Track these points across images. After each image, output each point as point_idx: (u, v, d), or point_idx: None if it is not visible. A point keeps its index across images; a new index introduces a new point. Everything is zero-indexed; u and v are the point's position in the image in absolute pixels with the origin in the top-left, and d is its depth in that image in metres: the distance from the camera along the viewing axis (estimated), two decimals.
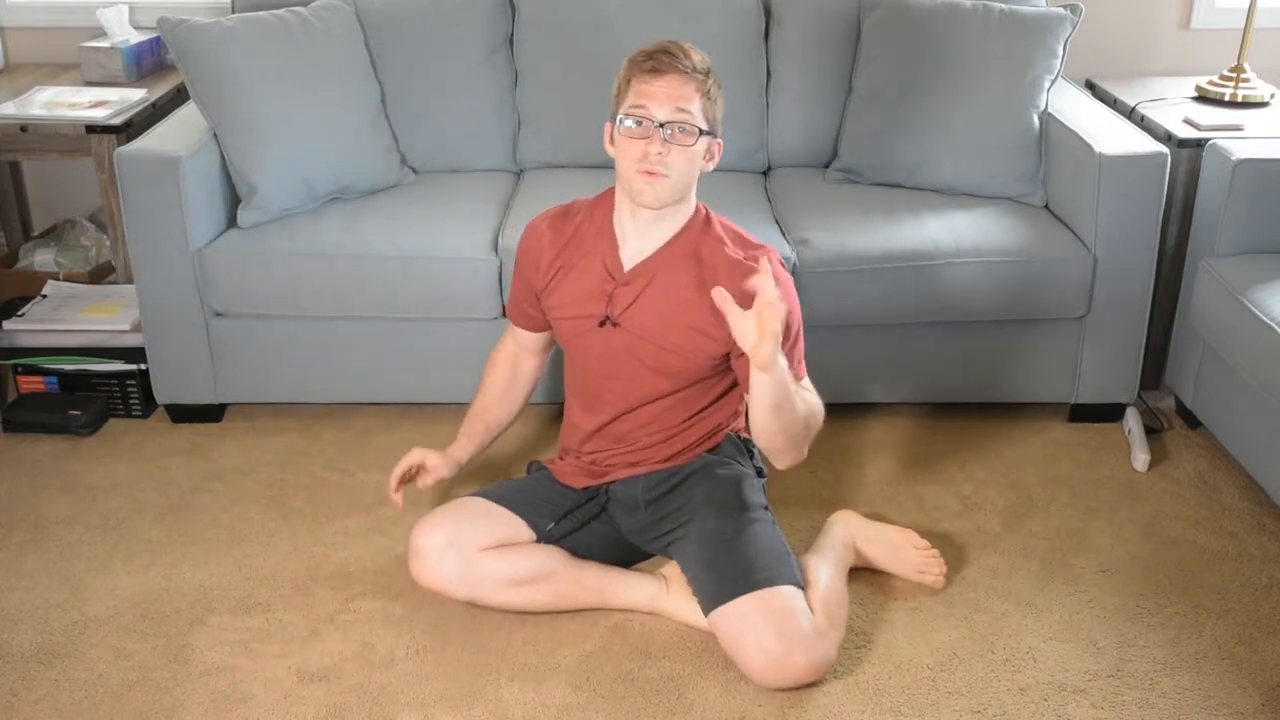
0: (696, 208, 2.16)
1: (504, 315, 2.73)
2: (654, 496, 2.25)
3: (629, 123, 2.02)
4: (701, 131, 2.04)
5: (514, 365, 2.45)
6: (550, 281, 2.22)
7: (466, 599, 2.20)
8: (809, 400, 2.10)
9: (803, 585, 2.11)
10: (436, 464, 2.36)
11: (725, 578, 2.08)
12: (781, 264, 2.17)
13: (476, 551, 2.16)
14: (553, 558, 2.22)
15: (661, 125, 2.00)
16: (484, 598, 2.20)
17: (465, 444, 2.41)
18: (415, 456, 2.36)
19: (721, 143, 2.12)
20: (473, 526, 2.18)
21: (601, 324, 2.17)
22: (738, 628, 2.04)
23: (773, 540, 2.15)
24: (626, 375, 2.20)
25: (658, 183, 2.04)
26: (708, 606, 2.09)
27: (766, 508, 2.23)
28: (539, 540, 2.23)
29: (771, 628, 2.01)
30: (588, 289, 2.17)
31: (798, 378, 2.13)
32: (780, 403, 1.98)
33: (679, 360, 2.16)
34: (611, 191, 2.18)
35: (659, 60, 2.00)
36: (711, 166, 2.11)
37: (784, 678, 2.03)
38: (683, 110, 2.01)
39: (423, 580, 2.18)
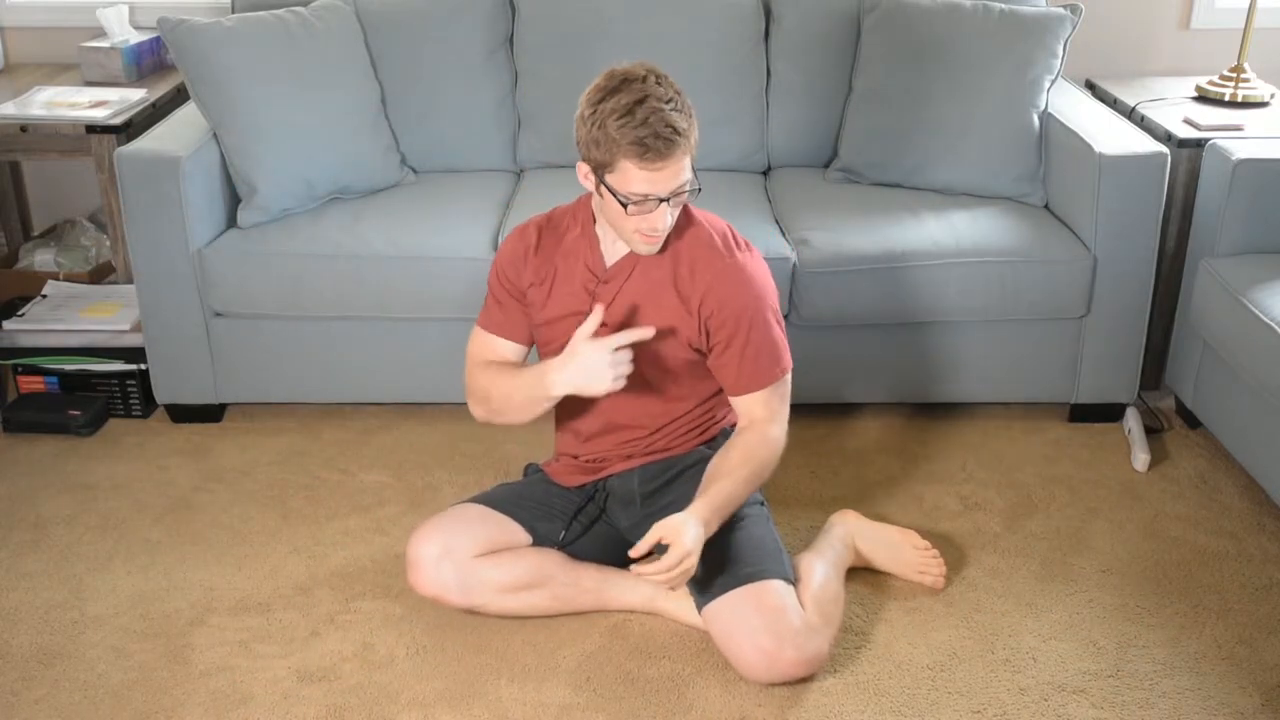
0: None
1: None
2: (649, 490, 2.25)
3: (633, 203, 1.97)
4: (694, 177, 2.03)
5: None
6: (537, 282, 2.19)
7: (465, 607, 2.20)
8: (749, 470, 2.09)
9: (793, 580, 2.12)
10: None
11: (716, 572, 2.08)
12: (754, 262, 2.13)
13: (472, 558, 2.16)
14: (549, 561, 2.22)
15: (665, 199, 1.98)
16: (483, 605, 2.20)
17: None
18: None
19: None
20: (468, 534, 2.18)
21: None
22: (729, 622, 2.04)
23: (764, 535, 2.15)
24: None
25: (659, 241, 2.05)
26: (700, 602, 2.09)
27: (762, 503, 2.24)
28: (535, 543, 2.23)
29: (762, 623, 2.02)
30: (573, 289, 2.17)
31: (782, 370, 2.14)
32: (726, 516, 2.07)
33: (656, 356, 2.16)
34: (589, 198, 2.16)
35: (657, 150, 1.92)
36: None
37: (775, 673, 2.04)
38: (682, 182, 1.98)
39: (421, 590, 2.17)
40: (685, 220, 2.13)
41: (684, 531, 1.96)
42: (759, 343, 2.11)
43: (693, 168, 2.00)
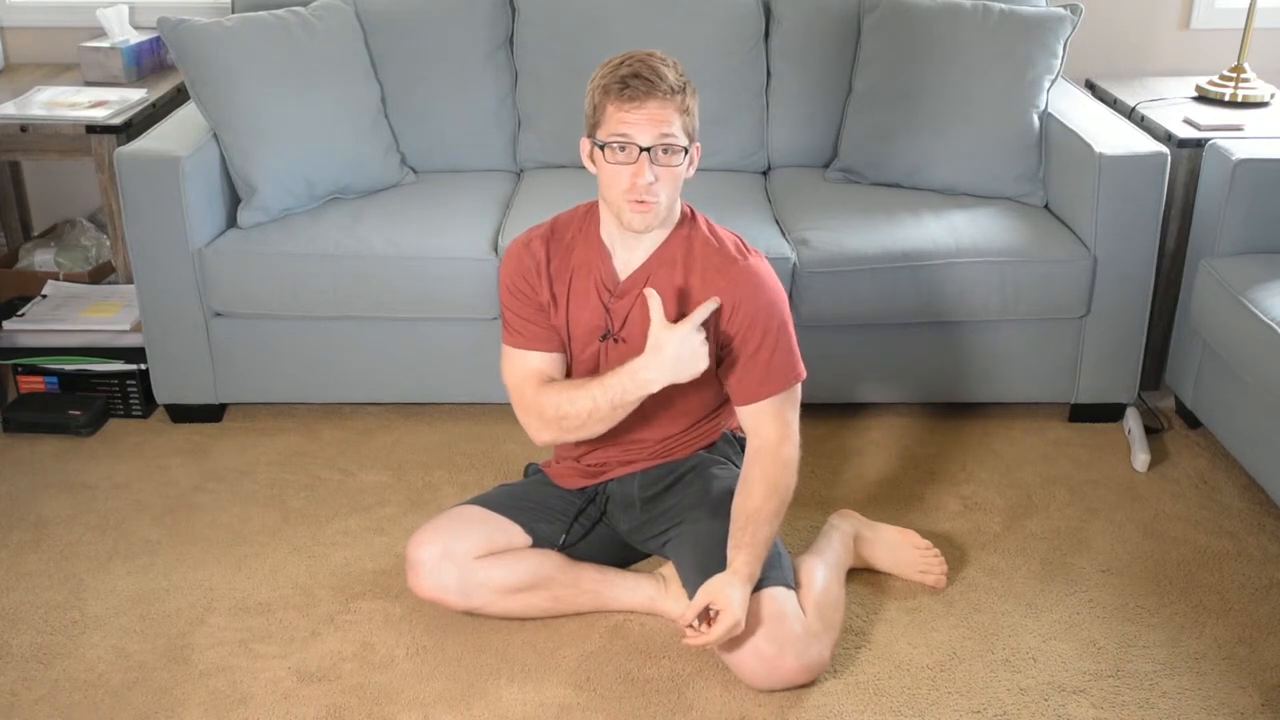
0: (682, 210, 2.14)
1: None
2: (650, 495, 2.25)
3: (613, 149, 1.98)
4: (685, 149, 2.01)
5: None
6: (554, 296, 2.15)
7: (465, 609, 2.20)
8: (775, 504, 2.09)
9: (794, 586, 2.11)
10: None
11: None
12: (764, 267, 2.13)
13: (472, 560, 2.15)
14: (549, 562, 2.21)
15: (646, 149, 1.97)
16: (483, 607, 2.19)
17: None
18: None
19: (699, 145, 2.08)
20: (467, 535, 2.17)
21: (604, 338, 2.14)
22: None
23: None
24: None
25: (649, 211, 2.02)
26: None
27: None
28: (535, 545, 2.22)
29: (763, 631, 2.01)
30: (590, 305, 2.13)
31: (796, 377, 2.13)
32: (765, 556, 2.06)
33: None
34: (595, 204, 2.15)
35: (635, 88, 1.95)
36: (693, 171, 2.08)
37: (776, 680, 2.04)
38: (665, 135, 1.97)
39: (420, 592, 2.17)
40: (694, 229, 2.12)
41: (733, 599, 1.96)
42: (773, 347, 2.10)
43: (687, 135, 2.00)
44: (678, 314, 2.10)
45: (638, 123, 1.96)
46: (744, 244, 2.14)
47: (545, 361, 2.18)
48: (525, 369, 2.17)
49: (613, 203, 2.04)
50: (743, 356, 2.10)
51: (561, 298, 2.15)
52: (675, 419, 2.22)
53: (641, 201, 2.00)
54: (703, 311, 2.01)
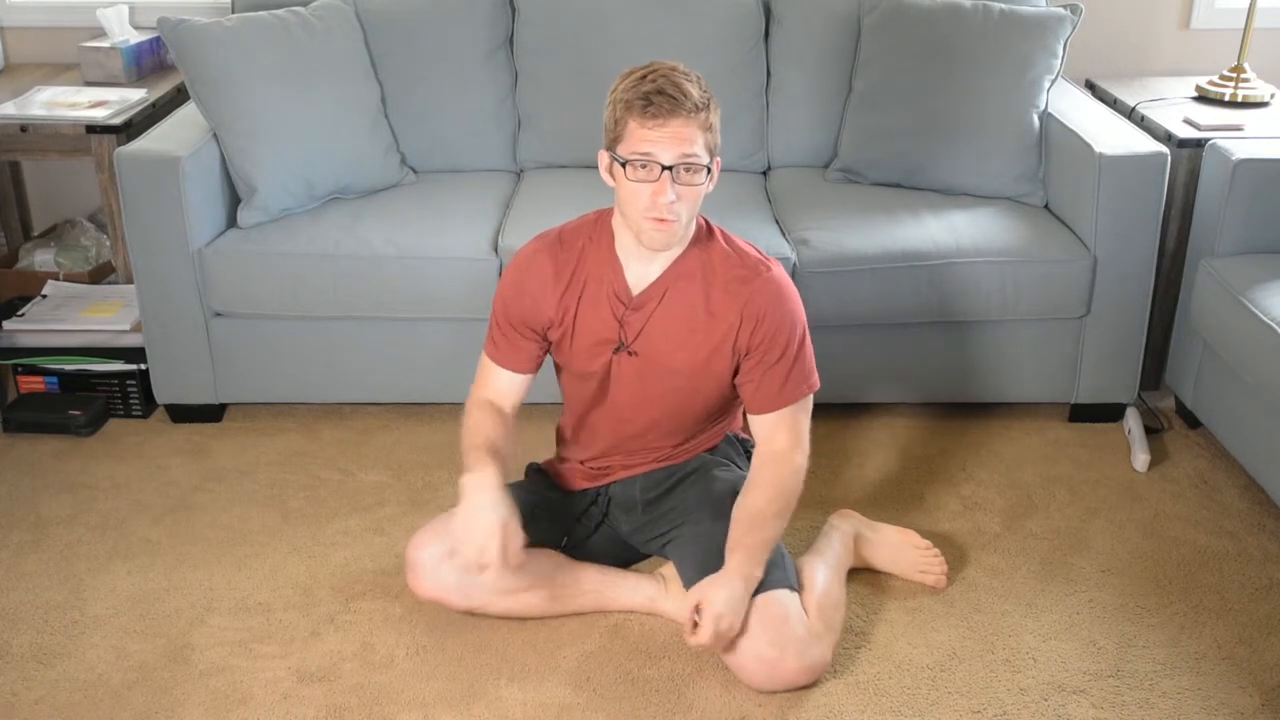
0: (698, 223, 2.12)
1: None
2: (651, 497, 2.25)
3: (634, 167, 1.95)
4: (707, 167, 1.99)
5: (497, 410, 2.21)
6: (563, 312, 2.13)
7: (465, 609, 2.20)
8: (780, 506, 2.10)
9: (796, 588, 2.11)
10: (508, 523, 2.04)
11: None
12: (786, 277, 2.13)
13: None
14: (549, 562, 2.21)
15: (668, 168, 1.94)
16: (483, 607, 2.19)
17: (493, 466, 2.10)
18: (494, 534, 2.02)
19: (720, 160, 2.06)
20: None
21: (616, 351, 2.12)
22: None
23: None
24: (635, 402, 2.17)
25: (669, 230, 2.00)
26: None
27: None
28: (536, 545, 2.22)
29: (764, 633, 2.01)
30: (602, 317, 2.11)
31: (810, 388, 2.13)
32: (766, 559, 2.06)
33: (687, 382, 2.14)
34: (606, 214, 2.13)
35: (659, 106, 1.92)
36: (713, 186, 2.04)
37: (777, 681, 2.03)
38: (688, 154, 1.94)
39: (420, 593, 2.17)
40: (712, 242, 2.11)
41: (717, 598, 1.96)
42: (793, 358, 2.09)
43: (709, 152, 1.98)
44: (699, 328, 2.09)
45: (660, 141, 1.93)
46: (763, 255, 2.14)
47: (510, 384, 2.19)
48: (483, 380, 2.21)
49: (632, 220, 2.01)
50: (763, 367, 2.09)
51: (571, 308, 2.13)
52: (685, 427, 2.23)
53: (662, 220, 1.98)
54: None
